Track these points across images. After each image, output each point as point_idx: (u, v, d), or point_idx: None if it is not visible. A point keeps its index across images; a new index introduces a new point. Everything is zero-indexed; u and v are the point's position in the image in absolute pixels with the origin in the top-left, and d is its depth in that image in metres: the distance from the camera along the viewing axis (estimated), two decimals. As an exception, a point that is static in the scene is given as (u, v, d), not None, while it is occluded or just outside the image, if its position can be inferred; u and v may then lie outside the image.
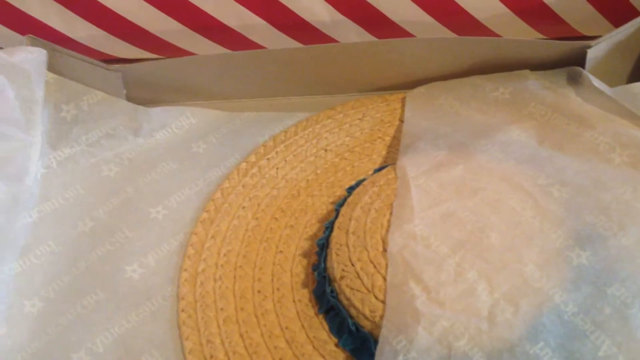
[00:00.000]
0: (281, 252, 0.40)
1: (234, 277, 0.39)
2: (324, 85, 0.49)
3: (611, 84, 0.44)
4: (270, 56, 0.46)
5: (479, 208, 0.36)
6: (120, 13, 0.48)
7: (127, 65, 0.46)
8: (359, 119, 0.47)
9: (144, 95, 0.47)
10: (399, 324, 0.31)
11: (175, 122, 0.48)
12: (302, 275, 0.38)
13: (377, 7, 0.48)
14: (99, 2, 0.47)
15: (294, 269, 0.39)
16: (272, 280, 0.39)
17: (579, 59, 0.43)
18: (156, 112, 0.47)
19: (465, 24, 0.49)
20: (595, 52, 0.42)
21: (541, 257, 0.33)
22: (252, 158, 0.45)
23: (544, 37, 0.50)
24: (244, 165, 0.45)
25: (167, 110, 0.48)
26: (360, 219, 0.37)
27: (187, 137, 0.47)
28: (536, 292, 0.32)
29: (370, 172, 0.43)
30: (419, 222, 0.35)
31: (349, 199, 0.39)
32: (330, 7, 0.48)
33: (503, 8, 0.47)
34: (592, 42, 0.42)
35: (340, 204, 0.39)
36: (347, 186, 0.42)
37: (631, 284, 0.31)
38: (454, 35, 0.50)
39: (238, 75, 0.48)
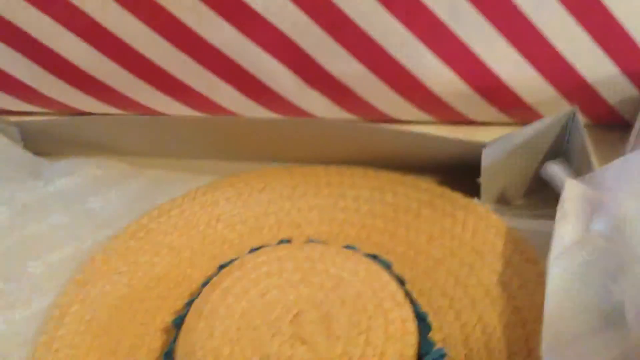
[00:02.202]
0: (144, 324, 0.39)
1: (90, 346, 0.38)
2: (236, 151, 0.49)
3: (514, 182, 0.44)
4: (177, 122, 0.46)
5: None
6: (84, 68, 0.49)
7: (25, 119, 0.46)
8: (259, 190, 0.46)
9: (42, 149, 0.47)
10: None
11: (79, 171, 0.48)
12: (158, 353, 0.38)
13: (345, 83, 0.48)
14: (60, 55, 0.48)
15: (153, 344, 0.38)
16: (127, 354, 0.38)
17: (477, 156, 0.42)
18: (61, 162, 0.47)
19: (427, 100, 0.49)
20: (492, 151, 0.42)
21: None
22: (144, 220, 0.45)
23: (509, 117, 0.50)
24: (133, 226, 0.44)
25: (72, 161, 0.48)
26: (216, 303, 0.36)
27: (87, 189, 0.47)
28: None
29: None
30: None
31: (215, 279, 0.38)
32: (299, 79, 0.48)
33: (464, 85, 0.47)
34: (487, 141, 0.41)
35: (206, 282, 0.38)
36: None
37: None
38: (415, 110, 0.50)
39: (146, 135, 0.48)
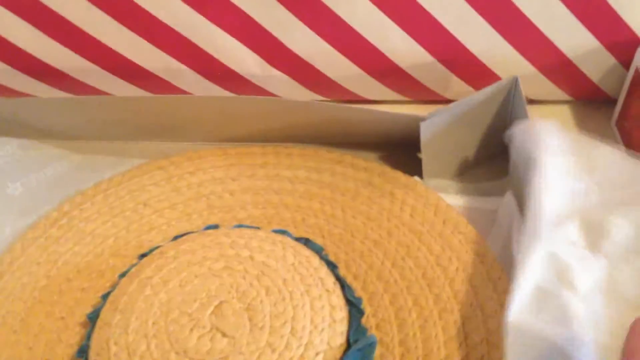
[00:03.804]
0: (63, 318, 0.37)
1: (5, 342, 0.36)
2: (166, 131, 0.47)
3: (458, 156, 0.42)
4: (104, 102, 0.43)
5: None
6: (29, 51, 0.45)
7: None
8: (190, 172, 0.44)
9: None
10: None
11: None
12: (76, 349, 0.35)
13: (309, 62, 0.45)
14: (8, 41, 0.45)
15: (71, 339, 0.36)
16: (44, 350, 0.35)
17: (417, 130, 0.40)
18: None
19: (396, 77, 0.46)
20: (431, 124, 0.40)
21: None
22: (65, 207, 0.42)
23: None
24: (54, 214, 0.42)
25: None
26: (133, 295, 0.34)
27: (5, 172, 0.44)
28: None
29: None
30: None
31: (133, 269, 0.36)
32: (262, 60, 0.45)
33: (430, 58, 0.44)
34: (426, 115, 0.39)
35: (124, 273, 0.36)
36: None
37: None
38: (385, 88, 0.47)
39: (70, 116, 0.45)
